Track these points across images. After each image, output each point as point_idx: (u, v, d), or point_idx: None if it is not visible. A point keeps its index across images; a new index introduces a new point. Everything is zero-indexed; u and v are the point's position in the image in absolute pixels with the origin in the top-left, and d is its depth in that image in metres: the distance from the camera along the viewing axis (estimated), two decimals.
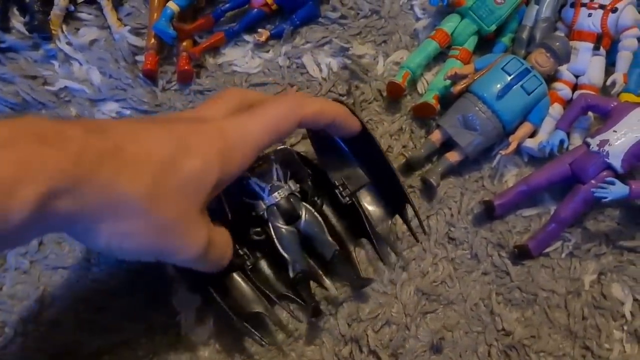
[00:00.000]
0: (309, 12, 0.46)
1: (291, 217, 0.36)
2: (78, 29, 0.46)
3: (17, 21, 0.45)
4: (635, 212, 0.42)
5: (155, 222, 0.27)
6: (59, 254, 0.40)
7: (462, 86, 0.42)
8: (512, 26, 0.46)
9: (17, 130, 0.24)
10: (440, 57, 0.46)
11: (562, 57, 0.42)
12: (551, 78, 0.44)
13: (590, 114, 0.43)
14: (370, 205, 0.39)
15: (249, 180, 0.35)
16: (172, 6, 0.43)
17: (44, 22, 0.44)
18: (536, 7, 0.45)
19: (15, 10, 0.45)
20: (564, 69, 0.44)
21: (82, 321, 0.38)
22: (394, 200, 0.38)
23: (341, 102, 0.37)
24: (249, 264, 0.37)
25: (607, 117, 0.41)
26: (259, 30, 0.45)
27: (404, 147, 0.44)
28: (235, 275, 0.37)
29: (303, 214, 0.36)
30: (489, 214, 0.41)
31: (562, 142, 0.41)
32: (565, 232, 0.41)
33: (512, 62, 0.41)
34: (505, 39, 0.46)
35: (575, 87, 0.44)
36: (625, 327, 0.39)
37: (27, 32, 0.45)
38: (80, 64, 0.45)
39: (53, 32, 0.45)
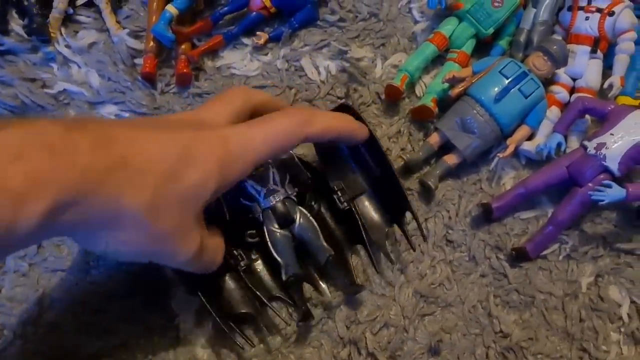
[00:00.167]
0: (308, 15, 0.46)
1: (286, 221, 0.36)
2: (77, 32, 0.46)
3: (16, 24, 0.45)
4: (632, 214, 0.42)
5: (152, 232, 0.28)
6: (58, 257, 0.40)
7: (460, 89, 0.42)
8: (510, 29, 0.46)
9: (27, 140, 0.24)
10: (438, 60, 0.46)
11: (560, 60, 0.42)
12: (549, 81, 0.44)
13: (587, 117, 0.43)
14: (368, 212, 0.39)
15: (245, 182, 0.35)
16: (171, 9, 0.43)
17: (43, 24, 0.44)
18: (534, 11, 0.45)
19: (14, 13, 0.46)
20: (561, 72, 0.44)
21: (81, 323, 0.38)
22: (394, 207, 0.38)
23: (348, 106, 0.37)
24: (242, 264, 0.37)
25: (604, 120, 0.41)
26: (258, 33, 0.46)
27: (402, 149, 0.44)
28: (227, 276, 0.37)
29: (298, 218, 0.36)
30: (486, 216, 0.42)
31: (559, 145, 0.41)
32: (562, 234, 0.41)
33: (510, 66, 0.42)
34: (503, 42, 0.46)
35: (572, 90, 0.44)
36: (622, 329, 0.39)
37: (26, 35, 0.45)
38: (79, 67, 0.45)
39: (52, 34, 0.45)
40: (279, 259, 0.36)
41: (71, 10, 0.46)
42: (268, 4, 0.45)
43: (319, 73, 0.45)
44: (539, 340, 0.39)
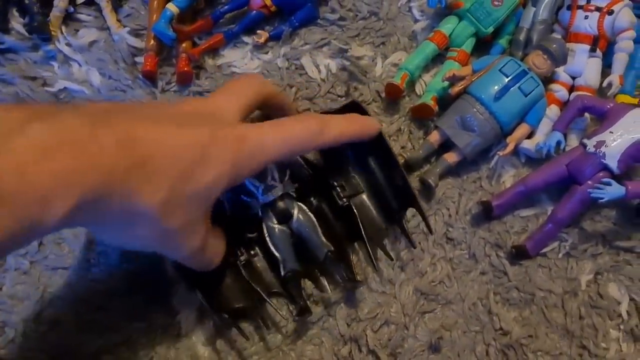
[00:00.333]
0: (308, 13, 0.46)
1: (284, 217, 0.36)
2: (77, 30, 0.46)
3: (17, 22, 0.45)
4: (631, 212, 0.42)
5: (162, 228, 0.28)
6: (59, 255, 0.40)
7: (460, 88, 0.42)
8: (510, 28, 0.46)
9: (53, 137, 0.24)
10: (438, 58, 0.46)
11: (559, 59, 0.42)
12: (548, 79, 0.44)
13: (586, 115, 0.43)
14: (367, 209, 0.39)
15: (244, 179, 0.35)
16: (172, 8, 0.43)
17: (44, 23, 0.44)
18: (533, 9, 0.46)
19: (14, 12, 0.45)
20: (560, 71, 0.44)
21: (82, 321, 0.38)
22: (397, 204, 0.38)
23: (357, 104, 0.37)
24: (242, 260, 0.37)
25: (603, 118, 0.41)
26: (258, 31, 0.46)
27: (402, 148, 0.44)
28: (227, 270, 0.37)
29: (296, 213, 0.36)
30: (486, 214, 0.42)
31: (559, 143, 0.41)
32: (562, 232, 0.41)
33: (510, 64, 0.42)
34: (503, 41, 0.46)
35: (572, 89, 0.45)
36: (621, 327, 0.40)
37: (26, 34, 0.45)
38: (80, 65, 0.45)
39: (52, 33, 0.45)
40: (277, 254, 0.36)
41: (72, 9, 0.46)
42: (268, 2, 0.45)
43: (319, 71, 0.45)
44: (538, 337, 0.39)
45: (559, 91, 0.44)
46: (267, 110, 0.38)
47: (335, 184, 0.37)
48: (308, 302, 0.38)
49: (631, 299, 0.40)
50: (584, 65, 0.44)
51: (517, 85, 0.41)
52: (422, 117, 0.44)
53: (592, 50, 0.44)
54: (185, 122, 0.30)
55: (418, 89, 0.46)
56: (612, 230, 0.42)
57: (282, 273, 0.36)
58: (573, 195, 0.40)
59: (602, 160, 0.39)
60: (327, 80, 0.45)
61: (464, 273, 0.41)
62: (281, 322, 0.39)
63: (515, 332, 0.39)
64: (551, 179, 0.41)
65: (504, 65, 0.42)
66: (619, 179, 0.39)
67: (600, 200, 0.37)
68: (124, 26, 0.45)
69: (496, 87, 0.41)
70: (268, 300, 0.36)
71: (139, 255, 0.39)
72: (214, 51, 0.46)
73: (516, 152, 0.43)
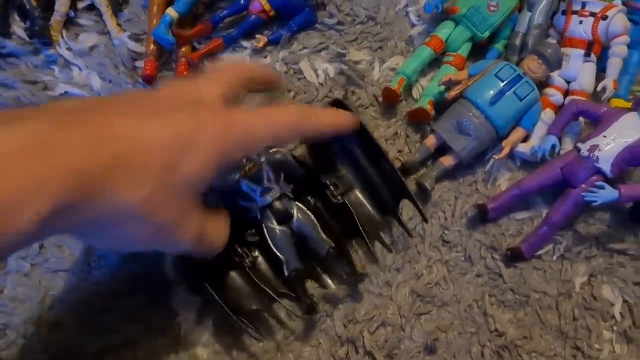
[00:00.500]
0: (306, 18, 0.47)
1: (284, 218, 0.37)
2: (78, 35, 0.46)
3: (18, 27, 0.46)
4: (624, 215, 0.42)
5: (151, 225, 0.28)
6: (60, 257, 0.41)
7: (456, 92, 0.43)
8: (506, 33, 0.47)
9: (17, 144, 0.22)
10: (435, 63, 0.47)
11: (554, 63, 0.43)
12: (543, 84, 0.45)
13: (581, 119, 0.44)
14: (362, 205, 0.39)
15: (241, 183, 0.36)
16: (171, 12, 0.44)
17: (45, 27, 0.45)
18: (529, 14, 0.46)
19: (16, 16, 0.46)
20: (555, 75, 0.45)
21: (82, 323, 0.39)
22: (389, 196, 0.39)
23: (341, 102, 0.38)
24: (247, 262, 0.37)
25: (597, 122, 0.42)
26: (257, 36, 0.46)
27: (399, 151, 0.44)
28: (234, 273, 0.38)
29: (295, 213, 0.37)
30: (482, 217, 0.42)
31: (553, 147, 0.42)
32: (556, 235, 0.42)
33: (505, 69, 0.42)
34: (499, 45, 0.47)
35: (566, 93, 0.45)
36: (615, 328, 0.40)
37: (27, 38, 0.45)
38: (80, 69, 0.45)
39: (53, 37, 0.45)
40: (279, 255, 0.36)
41: (72, 14, 0.46)
42: (267, 7, 0.46)
43: (317, 76, 0.46)
44: (533, 338, 0.40)
45: (554, 95, 0.45)
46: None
47: (328, 182, 0.38)
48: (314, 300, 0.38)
49: (624, 301, 0.41)
50: (579, 69, 0.44)
51: (512, 89, 0.42)
52: (418, 121, 0.45)
53: (587, 55, 0.44)
54: (165, 110, 0.28)
55: (415, 93, 0.46)
56: (605, 232, 0.42)
57: (286, 273, 0.36)
58: (567, 198, 0.40)
59: (596, 164, 0.40)
60: (325, 84, 0.46)
61: (459, 275, 0.41)
62: (280, 323, 0.39)
63: (510, 334, 0.40)
64: (546, 182, 0.41)
65: (499, 70, 0.42)
66: (612, 182, 0.39)
67: (594, 204, 0.38)
68: (124, 31, 0.46)
69: (492, 92, 0.42)
70: (279, 300, 0.37)
71: (139, 258, 0.40)
72: (213, 55, 0.46)
73: (512, 155, 0.44)
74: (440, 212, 0.43)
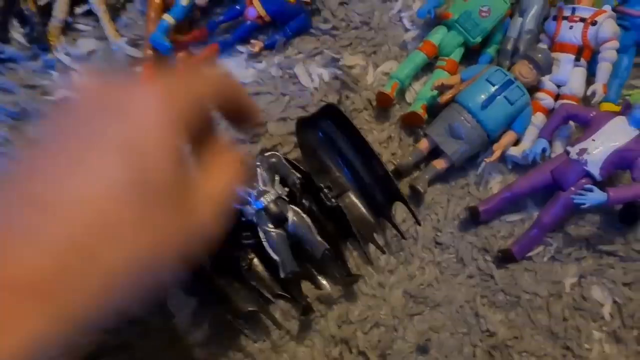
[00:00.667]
0: (301, 23, 0.47)
1: (279, 220, 0.37)
2: (76, 40, 0.47)
3: (17, 32, 0.46)
4: (614, 217, 0.43)
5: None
6: None
7: (448, 96, 0.43)
8: (497, 38, 0.48)
9: None
10: (428, 67, 0.47)
11: (544, 68, 0.43)
12: (535, 88, 0.46)
13: (571, 123, 0.44)
14: (355, 207, 0.40)
15: None
16: (168, 18, 0.44)
17: (43, 33, 0.45)
18: (520, 20, 0.47)
19: (15, 22, 0.46)
20: (546, 80, 0.46)
21: None
22: (382, 198, 0.39)
23: (333, 106, 0.38)
24: (244, 265, 0.38)
25: (586, 126, 0.42)
26: (252, 41, 0.47)
27: (392, 154, 0.45)
28: (230, 275, 0.38)
29: (290, 216, 0.37)
30: (474, 219, 0.43)
31: (544, 150, 0.43)
32: (547, 236, 0.43)
33: (496, 74, 0.43)
34: (491, 50, 0.48)
35: (557, 97, 0.46)
36: (604, 328, 0.41)
37: (26, 43, 0.46)
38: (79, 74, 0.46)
39: (52, 43, 0.46)
40: (275, 257, 0.37)
41: (70, 19, 0.47)
42: (263, 13, 0.46)
43: (312, 80, 0.46)
44: (524, 338, 0.40)
45: (545, 99, 0.46)
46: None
47: (322, 185, 0.38)
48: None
49: (614, 302, 0.42)
50: (569, 74, 0.45)
51: (504, 94, 0.42)
52: (412, 125, 0.46)
53: (577, 59, 0.45)
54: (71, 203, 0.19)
55: (408, 97, 0.47)
56: (595, 234, 0.43)
57: (282, 275, 0.37)
58: (557, 201, 0.41)
59: (585, 167, 0.40)
60: (320, 88, 0.46)
61: (451, 276, 0.42)
62: (283, 323, 0.40)
63: (501, 334, 0.40)
64: (536, 185, 0.42)
65: (490, 75, 0.43)
66: (602, 185, 0.40)
67: (582, 206, 0.38)
68: (122, 36, 0.46)
69: (483, 96, 0.42)
70: (274, 301, 0.37)
71: None
72: (209, 60, 0.47)
73: (503, 158, 0.45)
74: (433, 214, 0.43)
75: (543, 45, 0.47)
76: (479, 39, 0.46)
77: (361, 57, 0.48)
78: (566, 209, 0.41)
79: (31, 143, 0.22)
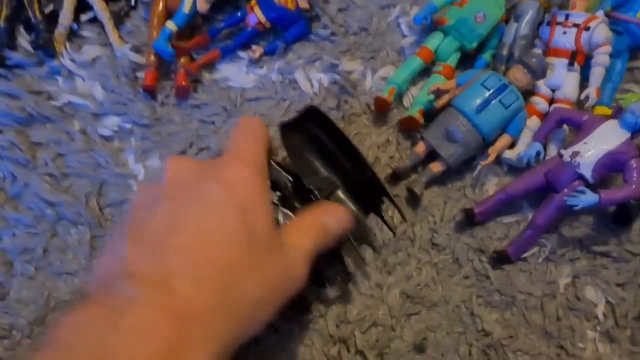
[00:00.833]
0: (301, 29, 0.48)
1: None
2: (81, 47, 0.48)
3: (23, 39, 0.47)
4: (607, 218, 0.44)
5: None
6: (63, 261, 0.42)
7: (445, 101, 0.44)
8: (493, 43, 0.49)
9: None
10: (425, 72, 0.48)
11: (538, 72, 0.44)
12: (530, 92, 0.47)
13: (565, 126, 0.45)
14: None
15: None
16: (171, 25, 0.45)
17: (49, 40, 0.46)
18: (515, 25, 0.48)
19: (21, 29, 0.48)
20: (541, 84, 0.46)
21: None
22: (370, 195, 0.40)
23: (314, 108, 0.38)
24: None
25: (579, 129, 0.43)
26: (253, 47, 0.48)
27: (390, 158, 0.46)
28: None
29: (282, 220, 0.38)
30: (470, 221, 0.44)
31: (538, 153, 0.43)
32: (541, 238, 0.43)
33: (491, 78, 0.44)
34: (487, 55, 0.48)
35: (552, 101, 0.47)
36: (598, 328, 0.42)
37: (32, 50, 0.47)
38: (83, 80, 0.47)
39: (57, 49, 0.47)
40: None
41: (76, 26, 0.48)
42: (263, 19, 0.47)
43: (311, 85, 0.47)
44: (518, 338, 0.41)
45: (540, 103, 0.46)
46: None
47: (312, 187, 0.39)
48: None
49: (607, 302, 0.42)
50: (563, 78, 0.46)
51: (498, 98, 0.43)
52: (409, 129, 0.47)
53: (571, 64, 0.46)
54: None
55: (405, 101, 0.48)
56: (589, 235, 0.44)
57: None
58: (550, 202, 0.42)
59: (577, 169, 0.41)
60: (319, 94, 0.47)
61: (448, 277, 0.43)
62: (281, 323, 0.41)
63: (497, 333, 0.41)
64: (530, 187, 0.43)
65: (485, 79, 0.44)
66: (595, 187, 0.40)
67: (575, 208, 0.39)
68: (126, 43, 0.47)
69: (478, 100, 0.43)
70: None
71: None
72: (211, 66, 0.48)
73: (499, 161, 0.45)
74: (429, 216, 0.44)
75: (537, 50, 0.48)
76: (474, 45, 0.47)
77: (360, 62, 0.49)
78: (559, 210, 0.42)
79: (153, 207, 0.27)
